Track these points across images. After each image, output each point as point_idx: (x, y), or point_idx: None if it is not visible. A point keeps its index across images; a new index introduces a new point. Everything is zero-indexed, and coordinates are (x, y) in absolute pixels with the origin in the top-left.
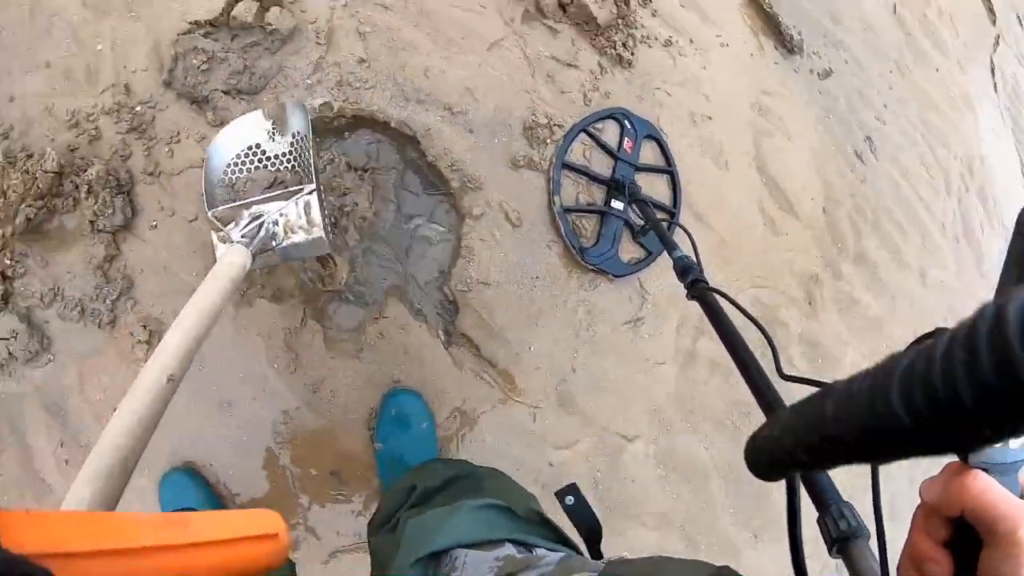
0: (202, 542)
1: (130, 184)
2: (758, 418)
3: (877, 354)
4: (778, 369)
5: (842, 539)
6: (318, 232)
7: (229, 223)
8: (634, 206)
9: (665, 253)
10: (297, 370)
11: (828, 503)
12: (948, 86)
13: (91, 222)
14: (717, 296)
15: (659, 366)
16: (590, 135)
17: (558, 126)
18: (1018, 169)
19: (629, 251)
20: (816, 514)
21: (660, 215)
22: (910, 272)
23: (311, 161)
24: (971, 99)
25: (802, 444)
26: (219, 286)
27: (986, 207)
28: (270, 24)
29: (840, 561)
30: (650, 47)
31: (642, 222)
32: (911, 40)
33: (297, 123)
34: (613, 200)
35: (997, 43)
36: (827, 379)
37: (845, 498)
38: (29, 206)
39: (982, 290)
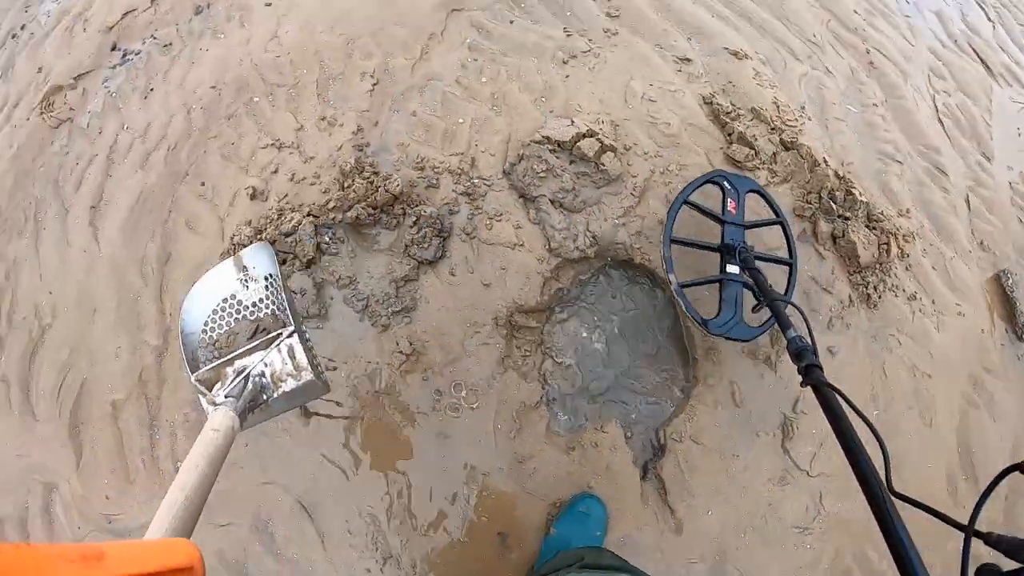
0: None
1: (448, 233)
2: None
3: None
4: (888, 484)
5: None
6: (308, 375)
7: (215, 384)
8: (747, 275)
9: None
10: (516, 439)
11: None
12: None
13: (406, 246)
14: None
15: None
16: (693, 205)
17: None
18: None
19: (754, 314)
20: None
21: (778, 268)
22: None
23: (286, 302)
24: None
25: None
26: (206, 457)
27: None
28: (603, 165)
29: None
30: (896, 296)
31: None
32: None
33: (267, 266)
34: (728, 265)
35: None
36: None
37: None
38: (363, 209)
39: None
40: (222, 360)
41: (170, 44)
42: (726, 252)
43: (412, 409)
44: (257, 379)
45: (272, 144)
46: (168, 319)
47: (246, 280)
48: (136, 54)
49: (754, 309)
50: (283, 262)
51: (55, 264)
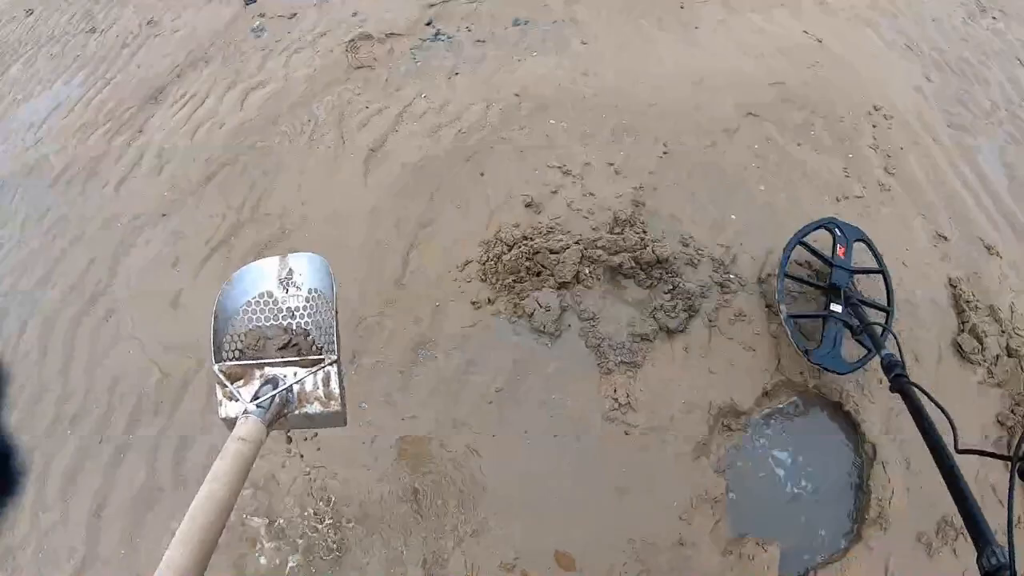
0: None
1: (696, 312)
2: None
3: None
4: (955, 445)
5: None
6: (336, 406)
7: (237, 380)
8: (849, 309)
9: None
10: (685, 521)
11: (984, 544)
12: None
13: (654, 308)
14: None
15: None
16: (805, 246)
17: (963, 537)
18: None
19: (851, 350)
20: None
21: (878, 313)
22: None
23: (333, 328)
24: None
25: None
26: (235, 469)
27: None
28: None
29: None
30: None
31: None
32: None
33: (315, 280)
34: (832, 304)
35: None
36: None
37: None
38: (628, 259)
39: None
40: (253, 361)
41: (483, 41)
42: (832, 292)
43: (599, 453)
44: (286, 393)
45: (559, 167)
46: (406, 275)
47: (287, 284)
48: (449, 37)
49: (855, 333)
50: (538, 274)
51: (317, 182)
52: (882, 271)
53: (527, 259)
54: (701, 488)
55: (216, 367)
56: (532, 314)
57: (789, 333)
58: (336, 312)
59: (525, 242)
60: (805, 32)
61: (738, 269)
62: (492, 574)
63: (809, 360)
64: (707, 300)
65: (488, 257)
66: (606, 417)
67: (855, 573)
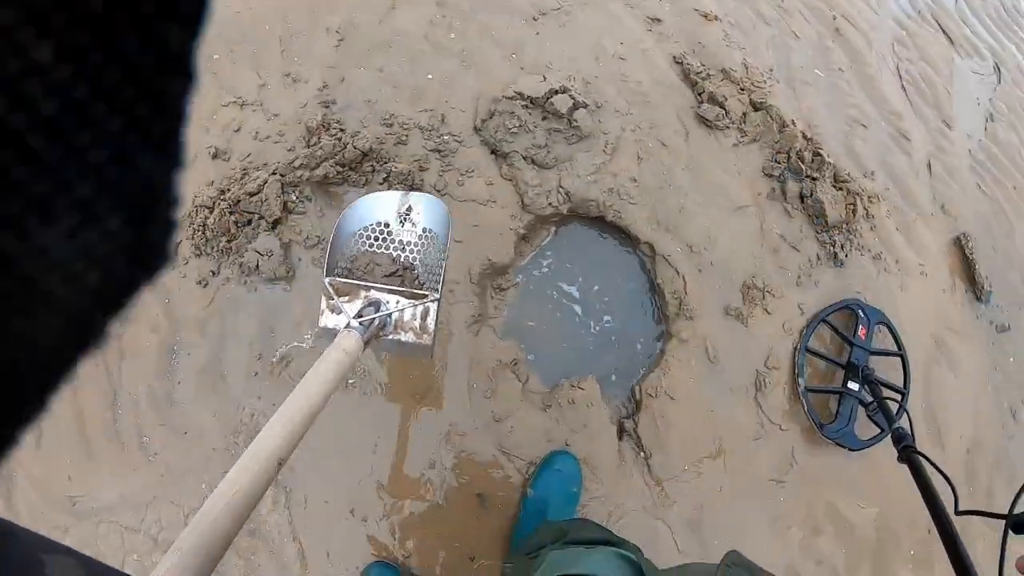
0: None
1: (419, 190)
2: None
3: None
4: (955, 508)
5: None
6: (428, 340)
7: (343, 296)
8: (867, 387)
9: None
10: (492, 398)
11: None
12: None
13: None
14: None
15: (789, 529)
16: (828, 324)
17: (770, 294)
18: None
19: (865, 429)
20: None
21: (893, 394)
22: None
23: (441, 270)
24: None
25: None
26: (333, 374)
27: None
28: (576, 121)
29: None
30: (861, 255)
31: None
32: None
33: (432, 221)
34: (849, 382)
35: None
36: None
37: None
38: (331, 166)
39: None
40: (362, 282)
41: None
42: (850, 370)
43: (383, 373)
44: (387, 317)
45: (234, 102)
46: None
47: (404, 218)
48: None
49: (869, 410)
50: (248, 223)
51: None
52: (901, 355)
53: (230, 214)
54: (493, 359)
55: (327, 279)
56: (258, 266)
57: (805, 407)
58: (447, 255)
59: (222, 197)
60: None
61: (450, 127)
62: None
63: (823, 435)
64: (428, 172)
65: (194, 229)
66: None
67: (678, 370)
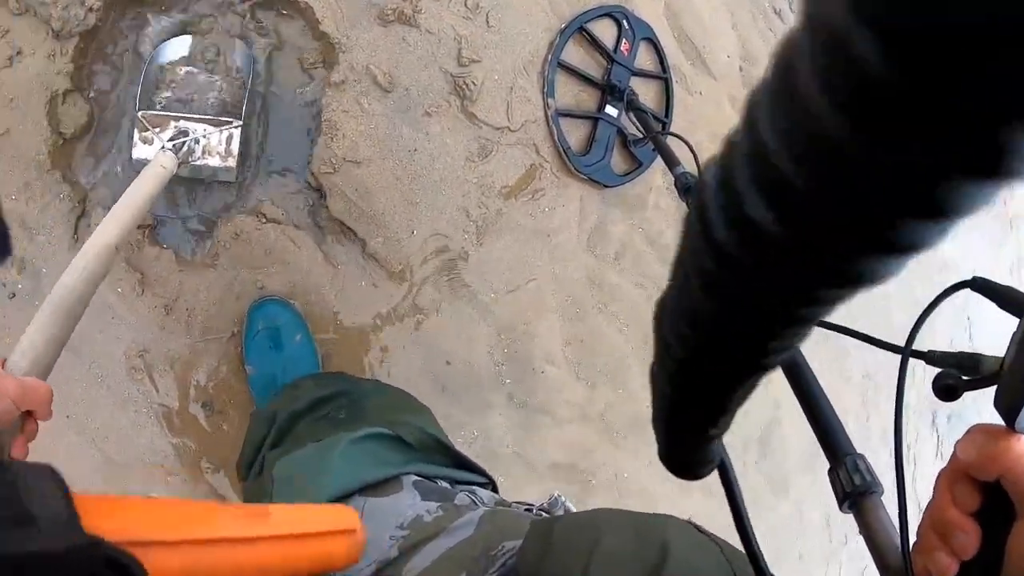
0: (282, 535)
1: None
2: None
3: None
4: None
5: (856, 494)
6: (232, 162)
7: (155, 127)
8: (631, 114)
9: (657, 163)
10: (145, 291)
11: (842, 454)
12: None
13: None
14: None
15: (564, 244)
16: (585, 33)
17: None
18: None
19: (621, 160)
20: (827, 465)
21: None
22: None
23: (243, 99)
24: None
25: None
26: (151, 187)
27: None
28: None
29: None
30: None
31: (637, 132)
32: None
33: (238, 60)
34: (608, 106)
35: None
36: None
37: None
38: None
39: None
40: (171, 113)
41: None
42: (610, 92)
43: None
44: (192, 145)
45: None
46: None
47: (208, 59)
48: None
49: (636, 144)
50: None
51: None
52: (666, 78)
53: None
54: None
55: (139, 113)
56: None
57: (555, 133)
58: (248, 88)
59: None
60: None
61: None
62: None
63: (574, 167)
64: None
65: None
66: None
67: (348, 124)
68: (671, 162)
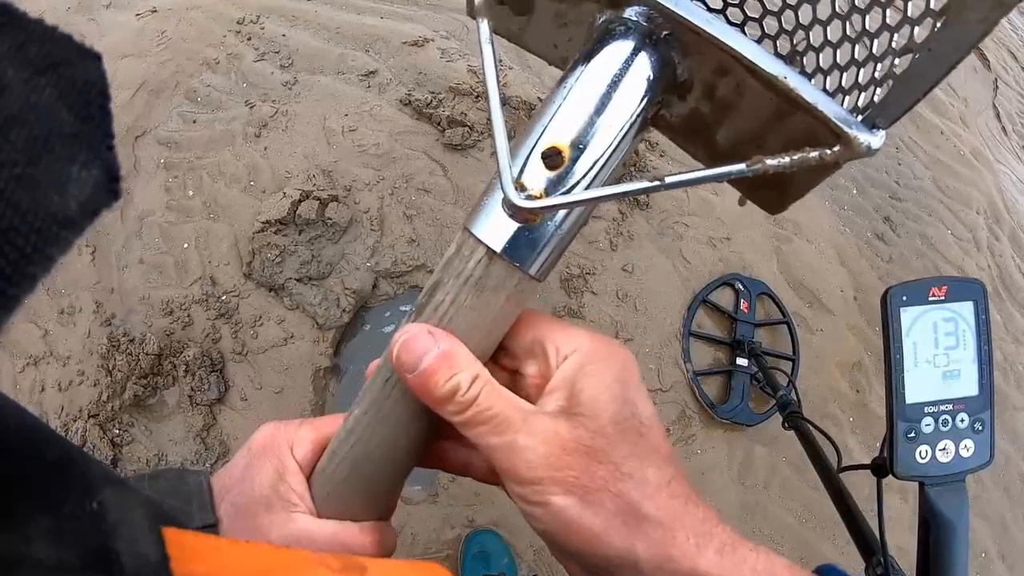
0: None
1: (222, 363)
2: None
3: None
4: (838, 466)
5: None
6: None
7: None
8: (753, 360)
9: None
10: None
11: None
12: (956, 145)
13: (189, 396)
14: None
15: (716, 480)
16: (709, 303)
17: (590, 275)
18: None
19: (759, 400)
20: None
21: (783, 362)
22: None
23: None
24: (981, 151)
25: None
26: None
27: (1021, 249)
28: (330, 219)
29: None
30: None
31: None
32: (909, 113)
33: None
34: (738, 358)
35: (996, 86)
36: None
37: None
38: (135, 384)
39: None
40: None
41: None
42: (737, 346)
43: None
44: None
45: (28, 363)
46: None
47: None
48: None
49: (760, 382)
50: None
51: None
52: (787, 322)
53: None
54: None
55: None
56: None
57: (696, 391)
58: None
59: None
60: None
61: (223, 286)
62: None
63: (716, 416)
64: (221, 341)
65: None
66: None
67: None
68: (775, 387)
